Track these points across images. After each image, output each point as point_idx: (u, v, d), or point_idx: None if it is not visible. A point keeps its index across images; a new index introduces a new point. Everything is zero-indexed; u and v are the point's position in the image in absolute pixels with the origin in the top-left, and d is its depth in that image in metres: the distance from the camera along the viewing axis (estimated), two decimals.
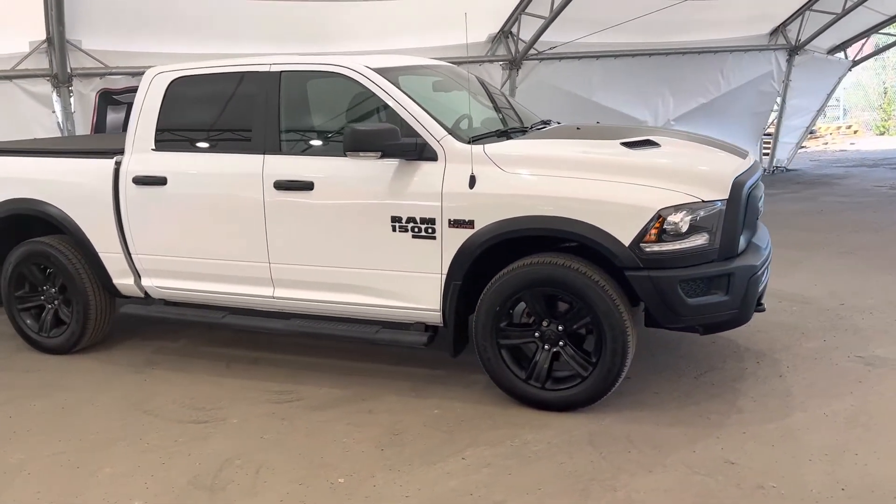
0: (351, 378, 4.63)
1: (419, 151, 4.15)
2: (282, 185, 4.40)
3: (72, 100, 7.81)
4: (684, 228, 3.74)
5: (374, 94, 4.33)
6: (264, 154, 4.50)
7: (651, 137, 4.30)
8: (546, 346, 4.06)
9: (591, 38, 9.86)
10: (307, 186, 4.36)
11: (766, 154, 13.12)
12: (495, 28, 9.87)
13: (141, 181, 4.78)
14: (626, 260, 3.76)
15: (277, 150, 4.49)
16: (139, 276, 5.04)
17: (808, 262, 6.88)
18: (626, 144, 4.15)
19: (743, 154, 4.42)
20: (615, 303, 3.81)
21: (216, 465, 3.66)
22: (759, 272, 3.97)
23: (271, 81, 4.57)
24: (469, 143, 4.17)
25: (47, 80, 7.67)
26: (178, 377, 4.82)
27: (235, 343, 5.29)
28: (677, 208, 3.73)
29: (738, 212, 3.88)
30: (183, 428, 4.08)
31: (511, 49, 9.91)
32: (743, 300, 3.93)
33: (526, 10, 9.51)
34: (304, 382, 4.61)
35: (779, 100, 12.73)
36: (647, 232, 3.72)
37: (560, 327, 4.01)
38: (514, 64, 9.91)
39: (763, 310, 4.14)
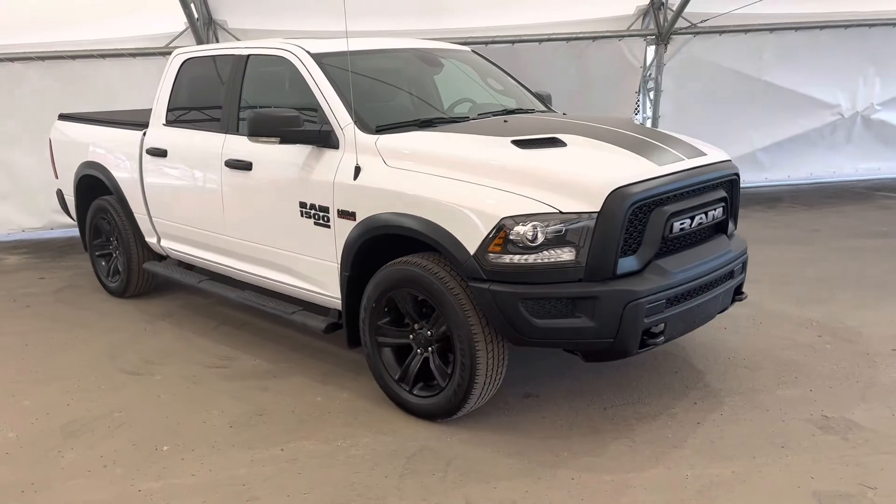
0: (291, 354, 4.80)
1: (324, 139, 4.13)
2: (230, 164, 4.65)
3: None
4: (536, 240, 3.32)
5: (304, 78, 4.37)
6: (226, 133, 4.77)
7: (561, 136, 3.82)
8: (419, 350, 3.88)
9: (762, 8, 8.64)
10: (248, 167, 4.56)
11: None
12: None
13: (152, 152, 5.33)
14: (469, 269, 3.45)
15: (235, 131, 4.73)
16: (159, 238, 5.64)
17: None
18: (518, 143, 3.74)
19: (675, 158, 3.74)
20: (466, 313, 3.52)
21: (99, 414, 4.09)
22: (645, 300, 3.39)
23: (240, 64, 4.81)
24: (375, 132, 4.06)
25: None
26: (170, 331, 5.36)
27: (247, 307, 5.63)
28: (526, 218, 3.32)
29: (613, 227, 3.34)
30: (116, 377, 4.58)
31: (662, 22, 9.05)
32: (619, 330, 3.40)
33: None
34: (250, 352, 4.87)
35: None
36: (491, 241, 3.37)
37: (429, 332, 3.80)
38: (660, 38, 9.05)
39: (656, 344, 3.52)
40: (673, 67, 9.20)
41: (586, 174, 3.46)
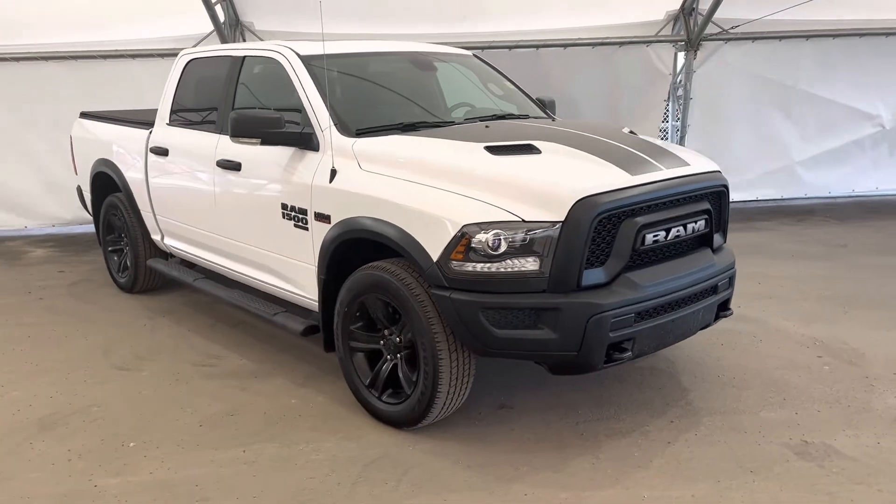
0: (278, 355, 4.81)
1: (305, 141, 4.13)
2: (221, 164, 4.69)
3: None
4: (498, 249, 3.25)
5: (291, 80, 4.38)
6: (220, 134, 4.81)
7: (537, 142, 3.73)
8: (389, 356, 3.83)
9: (797, 14, 8.38)
10: (237, 167, 4.58)
11: None
12: (675, 4, 8.86)
13: (155, 151, 5.42)
14: (432, 276, 3.40)
15: (228, 131, 4.74)
16: (163, 235, 5.73)
17: None
18: (491, 149, 3.67)
19: (652, 168, 3.61)
20: (430, 320, 3.46)
21: (78, 408, 4.16)
22: (610, 313, 3.28)
23: (236, 65, 4.85)
24: (354, 135, 4.04)
25: None
26: (168, 328, 5.43)
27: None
28: (488, 225, 3.25)
29: (577, 238, 3.24)
30: (105, 372, 4.65)
31: (692, 27, 8.82)
32: (583, 343, 3.30)
33: None
34: (239, 351, 4.90)
35: None
36: (454, 248, 3.31)
37: (398, 339, 3.76)
38: (689, 44, 8.83)
39: (623, 360, 3.41)
40: (703, 75, 8.97)
41: (552, 183, 3.37)
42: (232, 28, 8.71)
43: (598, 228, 3.32)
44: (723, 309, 3.96)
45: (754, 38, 8.81)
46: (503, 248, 3.24)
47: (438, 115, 4.56)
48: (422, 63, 4.92)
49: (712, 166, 3.96)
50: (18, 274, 7.15)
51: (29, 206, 8.77)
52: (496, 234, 3.23)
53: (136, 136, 5.73)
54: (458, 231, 3.28)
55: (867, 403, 3.95)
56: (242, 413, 4.03)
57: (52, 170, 8.55)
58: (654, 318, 3.49)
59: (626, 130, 4.19)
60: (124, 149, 5.89)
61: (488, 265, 3.28)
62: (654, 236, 3.49)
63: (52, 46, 8.34)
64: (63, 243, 8.43)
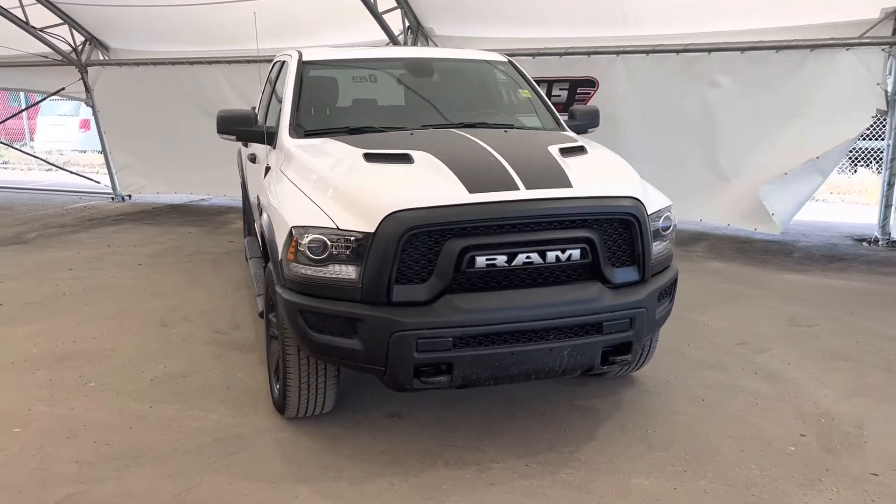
0: None
1: (270, 138, 4.49)
2: (249, 157, 5.27)
3: None
4: (318, 253, 3.30)
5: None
6: None
7: (414, 152, 3.62)
8: None
9: None
10: (254, 160, 5.12)
11: None
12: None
13: (245, 144, 6.18)
14: (277, 274, 3.56)
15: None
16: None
17: None
18: (368, 156, 3.66)
19: (507, 186, 3.30)
20: (283, 317, 3.63)
21: (99, 349, 5.00)
22: (414, 333, 3.15)
23: (277, 69, 5.38)
24: (303, 136, 4.30)
25: None
26: (235, 298, 6.18)
27: None
28: (307, 229, 3.32)
29: (385, 252, 3.16)
30: (151, 326, 5.47)
31: None
32: (388, 360, 3.23)
33: None
34: (256, 326, 5.43)
35: None
36: (288, 248, 3.44)
37: None
38: None
39: (435, 385, 3.23)
40: None
41: (375, 194, 3.30)
42: (413, 33, 9.28)
43: (416, 244, 3.19)
44: (617, 353, 3.47)
45: None
46: (322, 253, 3.28)
47: (405, 122, 4.54)
48: (420, 69, 4.94)
49: (616, 191, 3.47)
50: (205, 239, 8.54)
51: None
52: (314, 239, 3.29)
53: None
54: (287, 232, 3.39)
55: (780, 499, 3.18)
56: (192, 377, 4.54)
57: None
58: (482, 347, 3.23)
59: (555, 147, 3.81)
60: (243, 148, 6.77)
61: (313, 269, 3.34)
62: (489, 260, 3.22)
63: (254, 51, 9.69)
64: None
